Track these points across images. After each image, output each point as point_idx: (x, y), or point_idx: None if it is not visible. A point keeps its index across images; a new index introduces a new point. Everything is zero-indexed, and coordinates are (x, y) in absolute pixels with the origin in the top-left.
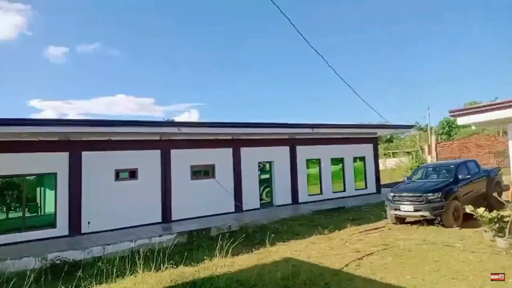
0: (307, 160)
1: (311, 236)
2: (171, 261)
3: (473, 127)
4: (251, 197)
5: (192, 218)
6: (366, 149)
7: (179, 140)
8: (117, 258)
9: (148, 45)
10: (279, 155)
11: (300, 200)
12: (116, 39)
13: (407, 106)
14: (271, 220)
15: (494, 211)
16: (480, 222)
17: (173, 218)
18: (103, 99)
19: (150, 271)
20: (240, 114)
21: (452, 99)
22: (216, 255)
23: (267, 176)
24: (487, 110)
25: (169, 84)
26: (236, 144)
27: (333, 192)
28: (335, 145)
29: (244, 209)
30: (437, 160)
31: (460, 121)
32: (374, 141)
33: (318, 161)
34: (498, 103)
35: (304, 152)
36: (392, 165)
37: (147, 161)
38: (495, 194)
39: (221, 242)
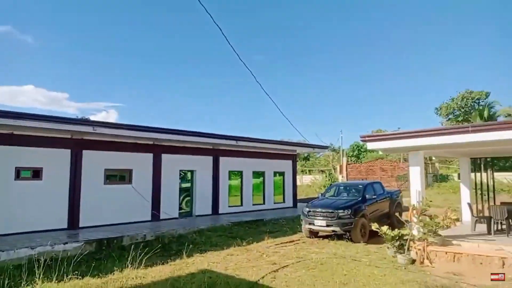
0: (230, 172)
1: (229, 247)
2: (76, 272)
3: (380, 152)
4: (170, 206)
5: (104, 226)
6: (286, 165)
7: (93, 140)
8: (11, 267)
9: (67, 36)
10: (202, 165)
11: (220, 211)
12: (32, 24)
13: (324, 128)
14: (189, 230)
15: (396, 229)
16: (384, 239)
17: (81, 225)
18: (7, 88)
19: (51, 281)
20: (162, 121)
21: (361, 125)
22: (128, 266)
23: (188, 185)
24: (391, 138)
25: (87, 80)
26: (157, 150)
27: (253, 205)
28: (257, 159)
29: (161, 218)
30: (347, 180)
31: (370, 146)
32: (293, 158)
33: (240, 173)
34: (401, 133)
35: (227, 163)
36: (308, 182)
37: (55, 161)
38: (396, 214)
39: (133, 253)
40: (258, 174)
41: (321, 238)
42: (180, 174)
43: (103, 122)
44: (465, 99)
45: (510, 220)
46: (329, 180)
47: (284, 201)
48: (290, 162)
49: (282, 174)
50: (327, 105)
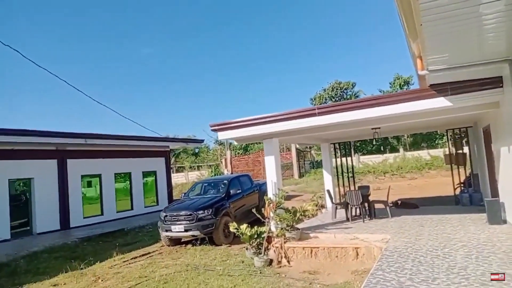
0: (83, 176)
1: (59, 274)
2: None
3: (235, 142)
4: None
5: None
6: (157, 163)
7: None
8: None
9: None
10: (43, 170)
11: (72, 225)
12: None
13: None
14: (17, 256)
15: (255, 227)
16: (241, 239)
17: None
18: None
19: None
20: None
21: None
22: None
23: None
24: (241, 126)
25: None
26: None
27: (118, 212)
28: (120, 159)
29: None
30: (232, 173)
31: (221, 135)
32: (166, 154)
33: (98, 177)
34: (250, 120)
35: (78, 167)
36: (194, 178)
37: None
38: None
39: None
40: (122, 176)
41: (184, 245)
42: (10, 184)
43: None
44: (335, 89)
45: (366, 205)
46: (214, 175)
47: (157, 204)
48: (162, 159)
49: (153, 173)
50: (216, 99)
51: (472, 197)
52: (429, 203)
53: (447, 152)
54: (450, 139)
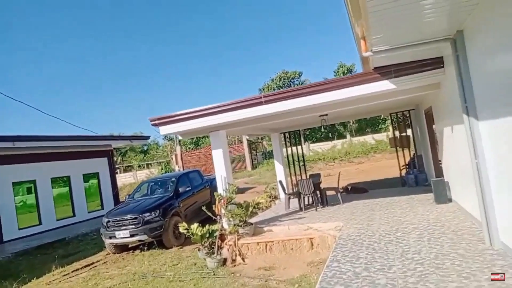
0: (15, 184)
1: None
2: None
3: (180, 137)
4: None
5: None
6: (99, 164)
7: None
8: None
9: None
10: None
11: (6, 238)
12: None
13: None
14: None
15: (207, 225)
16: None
17: None
18: None
19: None
20: None
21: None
22: None
23: None
24: (184, 119)
25: None
26: None
27: (58, 220)
28: (57, 162)
29: None
30: (183, 169)
31: (163, 130)
32: (109, 154)
33: (32, 183)
34: (193, 112)
35: (8, 174)
36: (143, 177)
37: None
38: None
39: None
40: (60, 181)
41: (131, 251)
42: None
43: None
44: (282, 79)
45: (318, 193)
46: (165, 172)
47: (102, 208)
48: (105, 159)
49: (95, 175)
50: (163, 94)
51: (418, 177)
52: (377, 186)
53: (391, 136)
54: (394, 123)
